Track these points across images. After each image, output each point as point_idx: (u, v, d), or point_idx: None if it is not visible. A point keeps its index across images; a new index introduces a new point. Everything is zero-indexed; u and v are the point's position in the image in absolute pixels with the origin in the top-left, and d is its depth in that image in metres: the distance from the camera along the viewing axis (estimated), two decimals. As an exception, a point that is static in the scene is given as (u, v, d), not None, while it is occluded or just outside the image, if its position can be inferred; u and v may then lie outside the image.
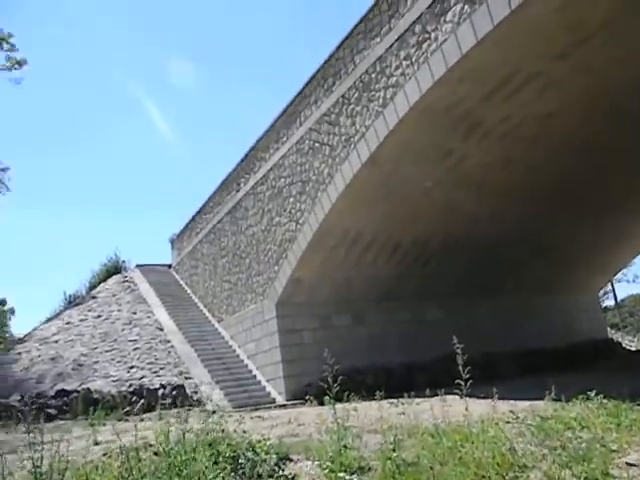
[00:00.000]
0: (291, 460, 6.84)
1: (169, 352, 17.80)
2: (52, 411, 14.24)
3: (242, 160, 19.15)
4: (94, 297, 21.81)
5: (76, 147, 66.51)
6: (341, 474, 5.71)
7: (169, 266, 26.02)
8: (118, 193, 69.82)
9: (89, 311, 20.43)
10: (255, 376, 17.19)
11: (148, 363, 16.95)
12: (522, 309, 21.41)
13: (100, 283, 23.55)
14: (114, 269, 24.50)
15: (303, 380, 16.19)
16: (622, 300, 55.63)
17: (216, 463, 5.97)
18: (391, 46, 12.57)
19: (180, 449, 6.16)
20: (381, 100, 12.97)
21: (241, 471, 6.03)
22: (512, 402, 10.43)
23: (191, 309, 21.41)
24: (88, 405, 14.07)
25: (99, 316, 19.95)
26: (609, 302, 47.59)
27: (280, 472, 6.16)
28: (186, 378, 16.50)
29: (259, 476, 5.96)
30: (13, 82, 26.95)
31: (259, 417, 10.99)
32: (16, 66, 27.54)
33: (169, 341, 18.49)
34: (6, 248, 59.33)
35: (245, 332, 18.44)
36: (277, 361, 16.51)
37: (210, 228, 21.69)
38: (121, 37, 67.77)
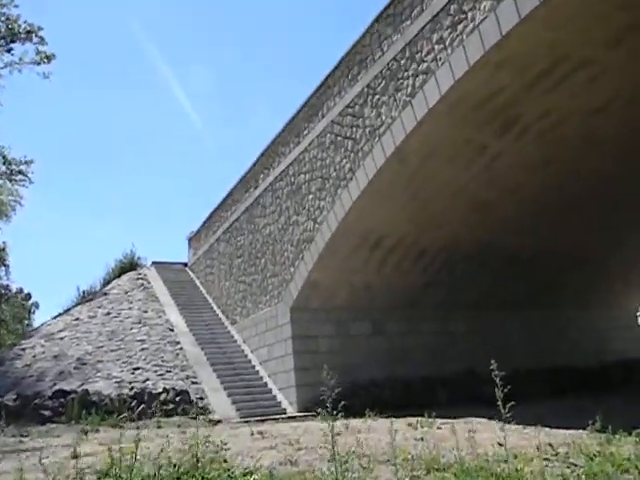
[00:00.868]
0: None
1: (177, 354, 16.73)
2: (47, 413, 13.29)
3: (261, 155, 18.05)
4: (106, 294, 20.93)
5: (95, 136, 66.49)
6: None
7: (185, 265, 25.06)
8: (140, 186, 69.48)
9: (99, 308, 19.53)
10: (266, 384, 16.00)
11: (154, 365, 15.90)
12: (553, 324, 19.78)
13: (114, 279, 22.70)
14: (129, 266, 23.65)
15: (317, 391, 14.74)
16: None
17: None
18: (423, 28, 11.29)
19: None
20: (409, 89, 11.70)
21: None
22: (547, 430, 9.00)
23: (204, 310, 20.35)
24: (85, 408, 13.10)
25: (108, 313, 19.02)
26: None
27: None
28: (193, 382, 15.39)
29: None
30: (41, 76, 26.58)
31: (260, 433, 9.76)
32: (45, 60, 27.17)
33: (178, 342, 17.43)
34: (32, 241, 59.17)
35: (258, 336, 17.27)
36: (289, 369, 15.30)
37: (227, 226, 20.64)
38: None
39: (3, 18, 25.92)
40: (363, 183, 12.99)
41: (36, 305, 47.75)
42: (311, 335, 15.53)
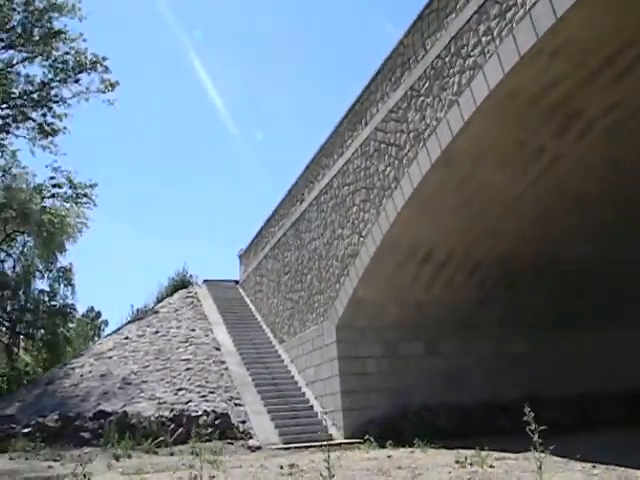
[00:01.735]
0: None
1: (222, 374, 16.03)
2: (87, 435, 12.80)
3: (306, 168, 17.28)
4: (156, 312, 20.65)
5: (145, 151, 68.17)
6: None
7: (236, 282, 24.57)
8: (192, 204, 70.61)
9: (148, 326, 19.21)
10: (312, 407, 15.00)
11: (198, 385, 15.24)
12: (627, 343, 17.74)
13: (166, 298, 22.46)
14: (181, 284, 23.38)
15: (365, 415, 13.84)
16: None
17: None
18: (468, 21, 10.19)
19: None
20: (455, 87, 10.60)
21: None
22: (624, 472, 7.57)
23: (253, 328, 19.65)
24: (123, 431, 12.52)
25: (157, 332, 18.65)
26: None
27: None
28: (236, 404, 14.61)
29: None
30: (107, 103, 27.16)
31: (291, 467, 8.75)
32: (109, 88, 27.79)
33: (224, 362, 16.75)
34: (95, 259, 60.57)
35: (305, 356, 16.35)
36: (336, 391, 14.25)
37: (275, 242, 19.95)
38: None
39: (73, 52, 26.81)
40: (408, 192, 11.93)
41: (105, 323, 48.89)
42: (359, 356, 14.45)
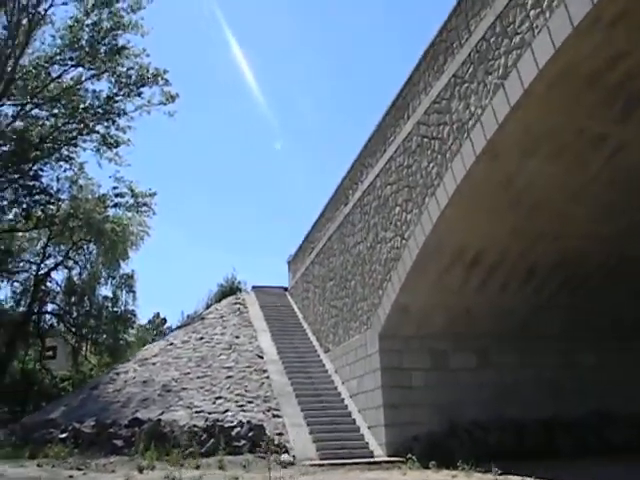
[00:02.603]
0: None
1: (262, 383, 15.30)
2: (119, 443, 12.38)
3: (351, 168, 16.38)
4: (203, 318, 20.28)
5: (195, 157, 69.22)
6: None
7: (285, 289, 23.90)
8: (244, 210, 71.05)
9: (193, 332, 18.83)
10: (354, 421, 13.98)
11: (237, 394, 14.58)
12: None
13: (214, 304, 22.11)
14: (229, 290, 23.00)
15: (409, 432, 12.69)
16: None
17: None
18: (514, -6, 9.07)
19: None
20: (501, 70, 9.44)
21: None
22: None
23: (298, 336, 18.84)
24: (154, 440, 12.01)
25: (201, 338, 18.22)
26: None
27: None
28: (274, 415, 13.82)
29: None
30: (167, 115, 27.48)
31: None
32: (170, 100, 28.10)
33: (265, 371, 16.03)
34: (155, 266, 61.51)
35: (349, 366, 15.36)
36: (379, 405, 13.18)
37: (320, 247, 19.12)
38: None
39: (137, 67, 27.35)
40: (451, 189, 10.79)
41: (170, 329, 49.57)
42: (403, 367, 13.32)
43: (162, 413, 13.64)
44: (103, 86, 28.67)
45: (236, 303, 21.31)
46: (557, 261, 12.96)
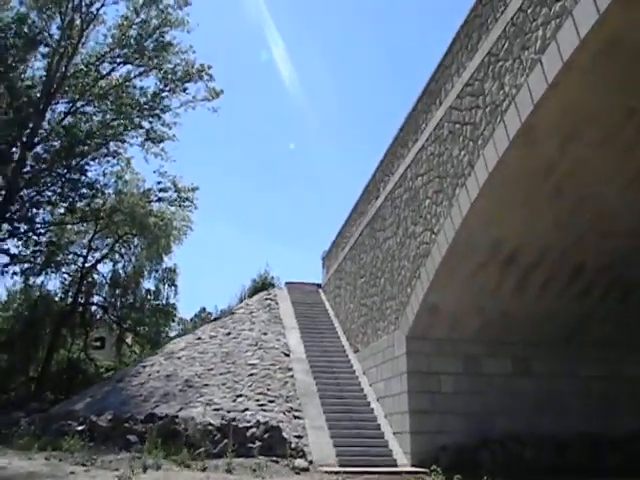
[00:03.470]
0: None
1: (285, 382, 14.59)
2: (133, 438, 11.92)
3: (382, 160, 15.46)
4: (232, 313, 19.77)
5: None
6: None
7: (319, 285, 23.12)
8: (282, 207, 70.35)
9: (221, 327, 18.34)
10: (379, 426, 13.06)
11: (258, 393, 13.93)
12: None
13: (246, 299, 21.59)
14: (262, 285, 22.44)
15: (436, 441, 11.70)
16: None
17: None
18: (553, -44, 7.97)
19: None
20: (538, 43, 8.34)
21: None
22: None
23: (328, 335, 18.03)
24: (167, 438, 11.50)
25: (229, 334, 17.69)
26: None
27: None
28: (295, 417, 13.09)
29: None
30: (211, 111, 27.40)
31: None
32: (214, 96, 27.98)
33: (290, 369, 15.32)
34: (195, 259, 61.52)
35: (376, 368, 14.45)
36: (404, 411, 12.24)
37: (352, 243, 18.25)
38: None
39: (182, 63, 27.37)
40: (482, 178, 9.74)
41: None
42: (432, 372, 12.32)
43: (180, 409, 13.14)
44: (150, 82, 28.75)
45: (267, 299, 20.72)
46: (605, 262, 11.63)
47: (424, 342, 12.46)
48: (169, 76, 27.16)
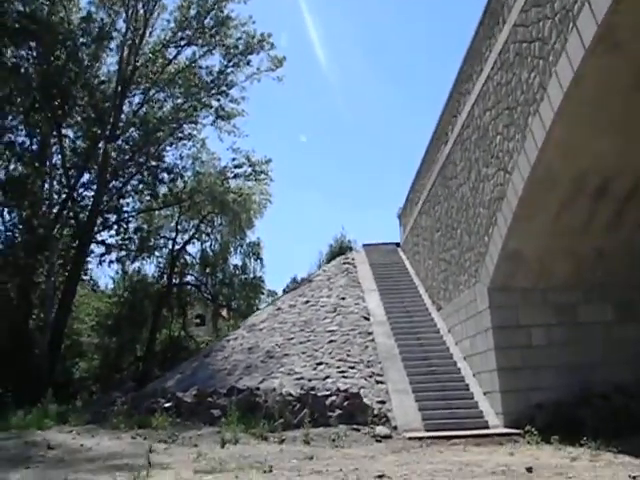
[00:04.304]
0: None
1: (366, 347, 13.95)
2: (216, 412, 11.79)
3: (447, 101, 14.05)
4: (310, 281, 19.33)
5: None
6: None
7: (397, 245, 22.05)
8: (357, 169, 68.36)
9: (300, 296, 17.95)
10: (467, 386, 12.11)
11: (338, 360, 13.40)
12: None
13: (323, 265, 21.06)
14: (339, 250, 21.77)
15: (530, 399, 10.59)
16: None
17: None
18: None
19: None
20: None
21: None
22: None
23: (409, 295, 17.07)
24: (246, 410, 11.29)
25: (307, 302, 17.27)
26: None
27: None
28: (377, 382, 12.45)
29: None
30: (276, 80, 26.98)
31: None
32: (277, 64, 27.47)
33: (371, 333, 14.64)
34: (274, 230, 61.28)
35: (460, 325, 13.41)
36: (492, 369, 11.19)
37: (425, 196, 17.01)
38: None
39: (244, 36, 27.03)
40: (557, 99, 8.30)
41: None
42: (520, 325, 11.11)
43: (262, 381, 12.92)
44: (215, 61, 28.63)
45: (345, 263, 20.04)
46: None
47: (509, 294, 11.24)
48: (232, 51, 26.89)
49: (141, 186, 28.29)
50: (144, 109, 27.20)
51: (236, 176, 29.97)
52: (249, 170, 29.83)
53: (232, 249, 33.07)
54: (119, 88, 24.99)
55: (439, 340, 14.12)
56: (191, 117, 27.53)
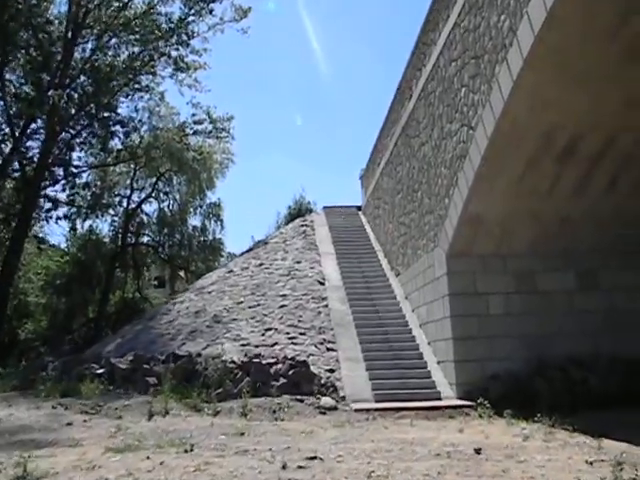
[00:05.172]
0: None
1: (319, 313, 13.26)
2: (152, 380, 10.97)
3: (412, 53, 13.09)
4: (266, 243, 18.45)
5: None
6: None
7: (359, 208, 21.29)
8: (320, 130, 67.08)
9: (253, 259, 17.09)
10: (421, 355, 11.57)
11: (289, 325, 12.69)
12: None
13: (282, 227, 20.19)
14: (298, 212, 20.91)
15: (485, 369, 10.10)
16: None
17: None
18: None
19: None
20: None
21: None
22: None
23: (367, 259, 16.39)
24: (183, 378, 10.52)
25: (261, 264, 16.43)
26: None
27: None
28: (327, 349, 11.80)
29: None
30: (241, 32, 25.39)
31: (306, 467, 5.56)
32: (242, 15, 25.82)
33: (325, 298, 13.94)
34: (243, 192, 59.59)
35: (418, 292, 12.81)
36: (448, 337, 10.65)
37: (388, 156, 16.18)
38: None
39: None
40: (527, 44, 7.48)
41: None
42: (478, 292, 10.54)
43: (206, 347, 12.12)
44: (175, 8, 26.75)
45: (303, 225, 19.20)
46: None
47: (467, 259, 10.62)
48: (192, -3, 25.17)
49: (93, 139, 26.62)
50: (97, 56, 25.32)
51: (196, 132, 28.50)
52: (210, 127, 28.37)
53: (191, 209, 31.87)
54: (70, 32, 23.05)
55: (395, 307, 13.52)
56: (148, 67, 25.79)
